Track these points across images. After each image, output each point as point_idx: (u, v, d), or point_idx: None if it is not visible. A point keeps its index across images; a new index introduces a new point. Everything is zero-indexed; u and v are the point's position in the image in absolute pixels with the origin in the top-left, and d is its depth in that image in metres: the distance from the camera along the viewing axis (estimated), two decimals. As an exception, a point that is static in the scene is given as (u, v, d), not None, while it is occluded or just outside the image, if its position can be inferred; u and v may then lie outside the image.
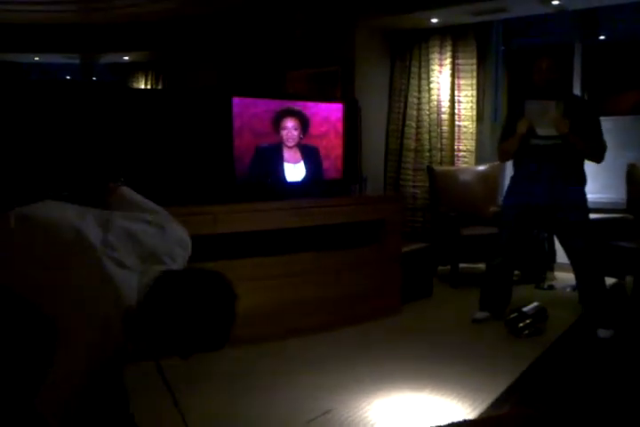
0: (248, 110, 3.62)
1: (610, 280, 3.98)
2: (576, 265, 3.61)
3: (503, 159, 4.00)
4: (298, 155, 3.85)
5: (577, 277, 3.67)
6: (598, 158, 3.61)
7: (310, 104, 3.90)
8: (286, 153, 3.81)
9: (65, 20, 6.43)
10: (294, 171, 3.85)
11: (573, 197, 3.58)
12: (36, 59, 7.46)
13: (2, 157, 3.10)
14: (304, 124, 3.84)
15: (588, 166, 3.68)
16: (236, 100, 3.57)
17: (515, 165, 3.78)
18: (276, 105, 3.75)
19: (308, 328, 3.60)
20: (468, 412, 2.58)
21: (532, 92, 3.66)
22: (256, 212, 3.47)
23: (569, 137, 3.49)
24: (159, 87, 7.43)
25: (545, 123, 3.51)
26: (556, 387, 2.88)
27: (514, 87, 5.61)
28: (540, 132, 3.55)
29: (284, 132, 3.78)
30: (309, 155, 3.90)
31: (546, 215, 3.66)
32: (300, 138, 3.84)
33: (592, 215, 3.68)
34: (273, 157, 3.77)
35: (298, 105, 3.82)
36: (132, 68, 7.71)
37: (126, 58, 7.41)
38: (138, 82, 7.70)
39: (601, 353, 3.32)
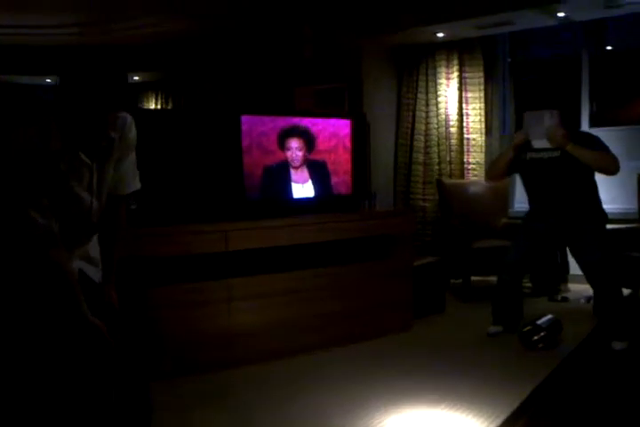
0: (257, 128, 3.65)
1: (624, 291, 3.94)
2: (591, 279, 3.56)
3: (490, 173, 3.83)
4: (305, 174, 3.86)
5: (593, 290, 3.63)
6: (611, 167, 3.35)
7: (318, 120, 3.92)
8: (294, 174, 3.82)
9: (75, 42, 6.52)
10: (303, 191, 3.86)
11: (587, 209, 3.51)
12: (48, 80, 7.56)
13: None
14: (309, 142, 3.85)
15: (599, 178, 3.54)
16: (244, 118, 3.60)
17: (525, 190, 3.72)
18: (285, 122, 3.77)
19: (320, 345, 3.59)
20: (483, 427, 2.56)
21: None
22: (266, 229, 3.48)
23: (568, 147, 3.34)
24: (169, 106, 7.50)
25: (541, 135, 3.38)
26: (571, 400, 2.85)
27: (521, 99, 5.62)
28: (536, 144, 3.43)
29: (288, 153, 3.79)
30: (317, 171, 3.91)
31: (561, 230, 3.57)
32: (306, 157, 3.85)
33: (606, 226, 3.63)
34: (281, 178, 3.77)
35: (306, 122, 3.85)
36: (142, 88, 7.79)
37: (136, 78, 7.49)
38: (148, 101, 7.79)
39: (616, 365, 3.29)
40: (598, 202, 3.57)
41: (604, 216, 3.56)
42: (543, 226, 3.61)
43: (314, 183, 3.90)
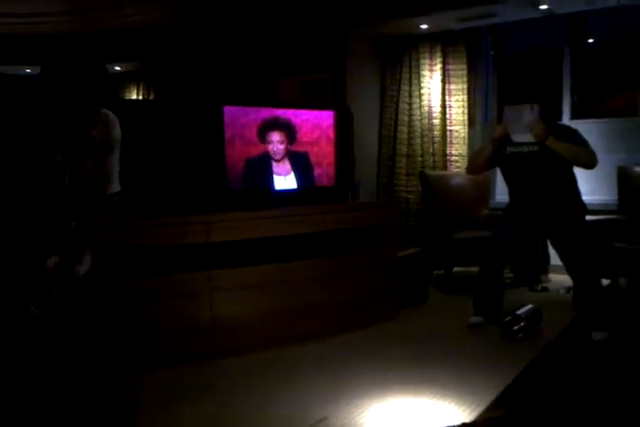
0: (239, 119, 3.64)
1: (604, 281, 4.00)
2: (572, 271, 3.60)
3: (471, 166, 3.84)
4: (287, 166, 3.86)
5: (573, 281, 3.67)
6: (590, 162, 3.40)
7: (301, 112, 3.92)
8: (275, 166, 3.81)
9: (56, 31, 6.44)
10: (285, 183, 3.86)
11: (567, 201, 3.55)
12: (28, 71, 7.45)
13: None
14: (290, 135, 3.85)
15: (580, 170, 3.54)
16: (227, 109, 3.59)
17: (506, 183, 3.75)
18: (267, 113, 3.76)
19: (302, 336, 3.60)
20: (464, 415, 2.59)
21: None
22: (249, 220, 3.48)
23: (548, 141, 3.35)
24: (151, 97, 7.44)
25: (521, 128, 3.37)
26: (551, 389, 2.89)
27: (504, 92, 5.65)
28: (516, 138, 3.42)
29: (269, 147, 3.78)
30: (299, 163, 3.91)
31: (541, 221, 3.61)
32: (288, 149, 3.84)
33: (586, 217, 3.66)
34: (262, 170, 3.77)
35: (289, 113, 3.84)
36: (124, 79, 7.71)
37: (118, 68, 7.41)
38: (130, 92, 7.71)
39: (595, 355, 3.34)
40: (578, 195, 3.61)
41: (583, 208, 3.60)
42: (523, 217, 3.65)
43: (296, 175, 3.90)
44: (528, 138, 3.41)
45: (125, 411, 1.92)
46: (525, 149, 3.49)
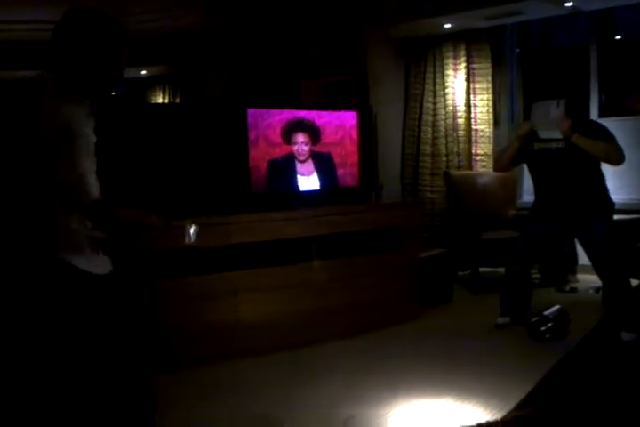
0: (263, 121, 3.66)
1: (633, 282, 3.93)
2: (599, 271, 3.56)
3: (497, 163, 3.84)
4: (311, 166, 3.87)
5: (601, 280, 3.62)
6: (617, 159, 3.38)
7: (324, 113, 3.93)
8: (299, 166, 3.83)
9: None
10: (308, 183, 3.87)
11: (594, 198, 3.50)
12: (143, 72, 7.54)
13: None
14: (315, 136, 3.86)
15: (607, 168, 3.55)
16: (250, 111, 3.61)
17: (532, 180, 3.72)
18: (291, 115, 3.78)
19: (327, 336, 3.61)
20: (489, 417, 2.57)
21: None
22: (273, 222, 3.49)
23: (573, 138, 3.33)
24: (177, 100, 7.51)
25: (548, 124, 3.36)
26: (578, 391, 2.85)
27: (529, 90, 5.59)
28: (543, 134, 3.41)
29: (294, 148, 3.81)
30: (323, 164, 3.92)
31: (568, 219, 3.56)
32: (312, 150, 3.86)
33: (614, 216, 3.60)
34: (286, 172, 3.80)
35: (312, 115, 3.85)
36: (150, 82, 7.81)
37: (144, 72, 7.50)
38: (156, 95, 7.80)
39: (624, 356, 3.28)
40: (605, 192, 3.56)
41: (610, 206, 3.55)
42: (550, 216, 3.61)
43: (319, 175, 3.91)
44: (555, 134, 3.39)
45: (144, 411, 1.93)
46: (553, 145, 3.47)
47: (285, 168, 3.77)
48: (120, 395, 1.85)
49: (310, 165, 3.87)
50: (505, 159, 3.70)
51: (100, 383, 1.81)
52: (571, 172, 3.47)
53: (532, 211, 3.78)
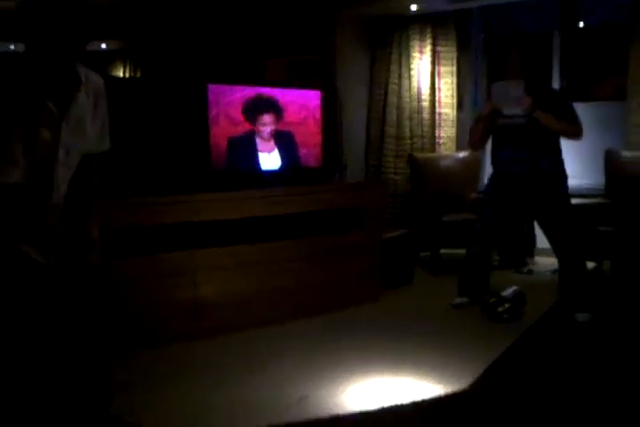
0: (224, 98, 3.60)
1: (588, 264, 4.01)
2: (556, 246, 3.62)
3: (471, 143, 3.90)
4: (272, 144, 3.83)
5: (558, 260, 3.68)
6: (576, 134, 3.54)
7: (288, 91, 3.88)
8: (260, 143, 3.79)
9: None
10: (269, 160, 3.84)
11: (551, 168, 3.58)
12: (12, 47, 7.34)
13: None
14: (278, 115, 3.83)
15: (568, 154, 3.68)
16: (211, 87, 3.55)
17: (492, 153, 3.78)
18: (253, 92, 3.72)
19: (286, 316, 3.60)
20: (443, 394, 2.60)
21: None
22: (235, 200, 3.46)
23: (535, 114, 3.45)
24: (137, 76, 7.35)
25: (509, 103, 3.50)
26: (533, 370, 2.90)
27: (493, 74, 5.61)
28: (506, 111, 3.54)
29: (259, 127, 3.76)
30: (284, 142, 3.89)
31: (525, 192, 3.64)
32: (275, 129, 3.83)
33: (572, 200, 3.68)
34: (246, 148, 3.75)
35: (275, 92, 3.80)
36: (111, 57, 7.61)
37: (103, 46, 7.31)
38: (116, 70, 7.62)
39: (578, 337, 3.36)
40: (562, 164, 3.65)
41: (566, 179, 3.64)
42: (507, 194, 3.67)
43: (280, 153, 3.88)
44: (517, 110, 3.50)
45: (100, 394, 1.90)
46: (516, 120, 3.55)
47: (246, 145, 3.73)
48: (69, 384, 1.80)
49: (271, 142, 3.83)
50: (477, 137, 3.76)
51: (49, 370, 1.77)
52: (531, 144, 3.55)
53: (487, 188, 3.82)
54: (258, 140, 3.78)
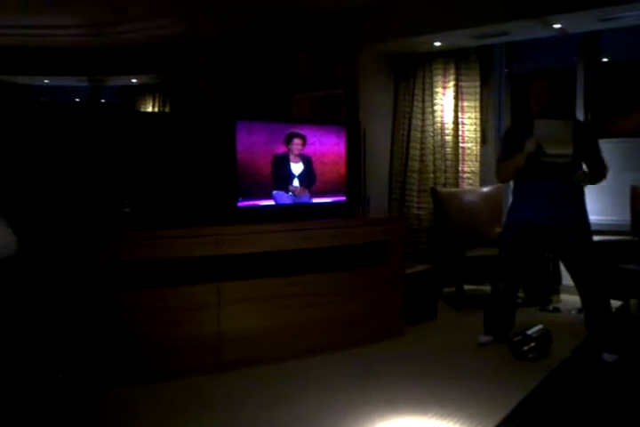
0: (252, 133, 3.65)
1: (615, 303, 3.95)
2: (581, 288, 3.58)
3: (504, 177, 3.86)
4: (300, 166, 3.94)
5: (582, 300, 3.64)
6: (605, 176, 3.60)
7: (313, 127, 3.93)
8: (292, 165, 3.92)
9: (74, 43, 6.55)
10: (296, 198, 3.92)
11: (575, 215, 3.56)
12: (46, 81, 7.56)
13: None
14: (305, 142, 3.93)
15: (593, 188, 3.68)
16: (240, 123, 3.61)
17: (515, 186, 3.76)
18: (280, 128, 3.78)
19: (309, 350, 3.59)
20: (470, 437, 2.56)
21: (539, 113, 3.59)
22: (260, 233, 3.48)
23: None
24: (166, 109, 7.50)
25: (556, 143, 3.51)
26: (560, 411, 2.85)
27: (516, 109, 5.64)
28: (550, 151, 3.53)
29: (291, 147, 3.89)
30: (310, 176, 3.94)
31: (547, 236, 3.63)
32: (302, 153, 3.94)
33: (596, 237, 3.66)
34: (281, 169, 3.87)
35: (301, 128, 3.86)
36: (141, 91, 7.79)
37: (134, 80, 7.50)
38: (146, 104, 7.78)
39: (606, 377, 3.29)
40: (585, 207, 3.64)
41: (589, 225, 3.62)
42: (529, 232, 3.64)
43: (304, 187, 3.92)
44: (560, 150, 3.51)
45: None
46: (560, 160, 3.53)
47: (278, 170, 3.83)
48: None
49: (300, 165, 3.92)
50: (509, 173, 3.72)
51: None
52: (561, 181, 3.54)
53: (508, 227, 3.77)
54: (291, 162, 3.88)
